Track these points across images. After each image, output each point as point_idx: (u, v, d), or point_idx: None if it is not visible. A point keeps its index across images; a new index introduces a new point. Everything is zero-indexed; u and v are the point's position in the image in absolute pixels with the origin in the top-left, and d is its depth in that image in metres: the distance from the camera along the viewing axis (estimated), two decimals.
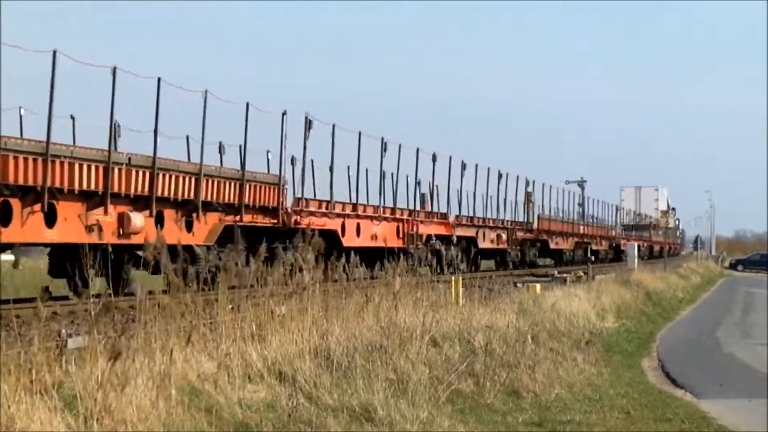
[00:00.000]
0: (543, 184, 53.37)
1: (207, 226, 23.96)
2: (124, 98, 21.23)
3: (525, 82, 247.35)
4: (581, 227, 61.47)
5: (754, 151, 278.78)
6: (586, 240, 60.89)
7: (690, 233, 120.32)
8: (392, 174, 34.30)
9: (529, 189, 51.39)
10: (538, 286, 27.24)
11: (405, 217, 35.24)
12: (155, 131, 22.08)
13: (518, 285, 29.65)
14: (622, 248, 68.52)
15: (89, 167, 20.23)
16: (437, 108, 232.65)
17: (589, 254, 52.50)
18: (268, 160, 27.16)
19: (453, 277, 20.66)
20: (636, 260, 50.71)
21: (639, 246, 73.04)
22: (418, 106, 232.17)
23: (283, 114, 26.58)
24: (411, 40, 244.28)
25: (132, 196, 21.50)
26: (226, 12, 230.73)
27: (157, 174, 22.02)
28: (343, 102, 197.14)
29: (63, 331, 10.79)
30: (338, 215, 30.49)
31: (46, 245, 21.70)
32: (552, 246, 53.89)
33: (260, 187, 26.27)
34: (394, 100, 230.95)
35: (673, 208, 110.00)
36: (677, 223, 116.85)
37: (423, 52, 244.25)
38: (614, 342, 22.97)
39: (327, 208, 29.77)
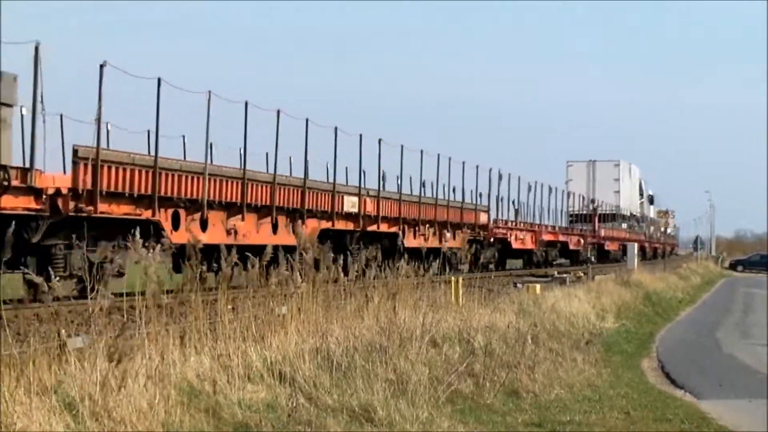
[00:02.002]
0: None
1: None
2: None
3: (525, 82, 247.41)
4: (345, 199, 31.57)
5: (754, 151, 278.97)
6: (387, 230, 34.48)
7: (690, 233, 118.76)
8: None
9: None
10: (537, 286, 27.24)
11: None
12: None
13: (518, 285, 29.67)
14: (515, 246, 47.78)
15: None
16: (437, 108, 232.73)
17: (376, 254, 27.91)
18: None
19: (453, 278, 20.66)
20: (635, 261, 50.67)
21: (579, 243, 60.12)
22: (418, 106, 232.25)
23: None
24: (411, 40, 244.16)
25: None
26: (225, 12, 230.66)
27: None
28: (343, 102, 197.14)
29: (63, 331, 10.76)
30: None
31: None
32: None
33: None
34: (394, 100, 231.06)
35: (651, 195, 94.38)
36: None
37: (423, 52, 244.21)
38: (614, 342, 22.96)
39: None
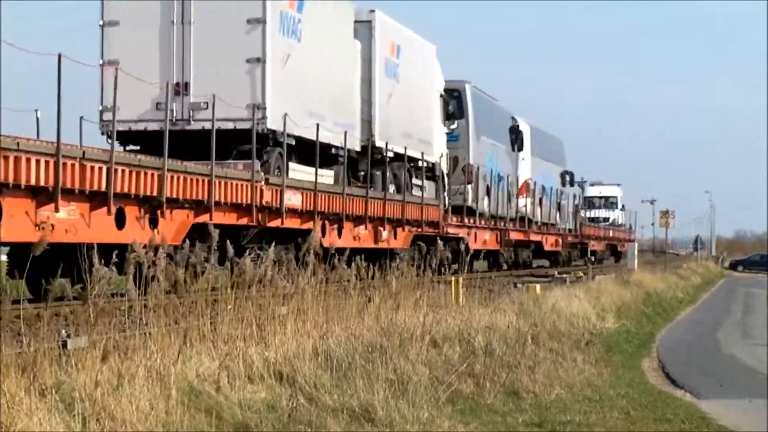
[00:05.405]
0: None
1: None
2: None
3: (526, 82, 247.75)
4: None
5: (755, 151, 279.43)
6: None
7: (690, 233, 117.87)
8: None
9: None
10: (538, 286, 27.22)
11: None
12: None
13: (518, 285, 29.66)
14: None
15: None
16: None
17: None
18: None
19: (453, 277, 20.65)
20: (636, 261, 50.56)
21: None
22: None
23: None
24: None
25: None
26: None
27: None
28: None
29: (63, 331, 10.77)
30: None
31: None
32: None
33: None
34: None
35: (515, 126, 43.46)
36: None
37: None
38: (614, 342, 22.95)
39: None
